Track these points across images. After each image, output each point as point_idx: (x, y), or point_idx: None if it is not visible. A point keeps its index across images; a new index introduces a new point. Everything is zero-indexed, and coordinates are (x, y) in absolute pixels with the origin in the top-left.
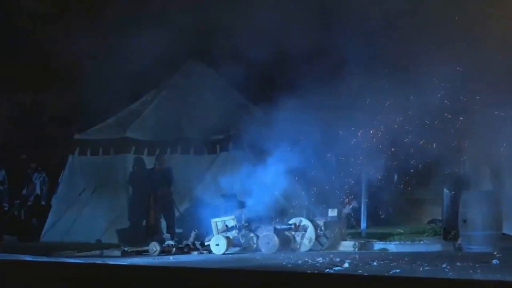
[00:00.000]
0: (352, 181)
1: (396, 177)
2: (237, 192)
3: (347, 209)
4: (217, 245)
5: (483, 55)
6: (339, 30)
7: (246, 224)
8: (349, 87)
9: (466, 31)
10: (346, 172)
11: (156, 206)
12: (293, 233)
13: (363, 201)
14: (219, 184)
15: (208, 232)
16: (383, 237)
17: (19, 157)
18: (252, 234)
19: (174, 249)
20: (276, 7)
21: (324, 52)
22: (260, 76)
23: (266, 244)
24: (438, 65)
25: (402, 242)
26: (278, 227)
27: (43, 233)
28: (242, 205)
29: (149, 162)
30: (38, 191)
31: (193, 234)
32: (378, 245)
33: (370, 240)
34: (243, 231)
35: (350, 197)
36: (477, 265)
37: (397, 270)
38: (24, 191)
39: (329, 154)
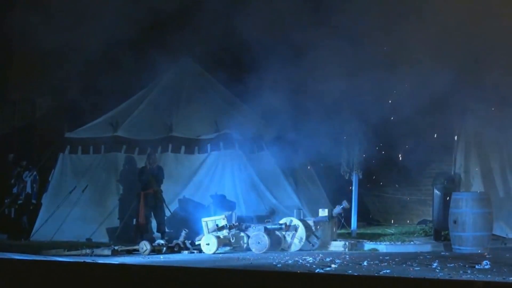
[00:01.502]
0: (343, 182)
1: (386, 177)
2: (227, 191)
3: (337, 209)
4: (208, 244)
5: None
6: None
7: (237, 223)
8: (338, 85)
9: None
10: (337, 172)
11: (146, 205)
12: (283, 232)
13: (354, 201)
14: (210, 183)
15: (199, 232)
16: (373, 238)
17: (7, 156)
18: (242, 234)
19: (164, 248)
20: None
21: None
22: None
23: (256, 243)
24: (428, 64)
25: (393, 243)
26: (268, 226)
27: (33, 231)
28: (232, 205)
29: (139, 161)
30: (29, 189)
31: (183, 233)
32: (368, 246)
33: (361, 240)
34: (234, 231)
35: (340, 197)
36: (467, 265)
37: (387, 271)
38: (15, 190)
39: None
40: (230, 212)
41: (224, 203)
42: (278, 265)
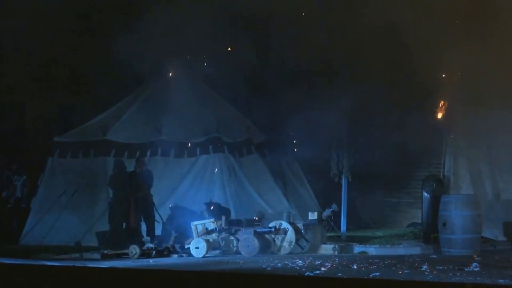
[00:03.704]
0: (332, 185)
1: (375, 180)
2: (216, 195)
3: (327, 212)
4: (197, 248)
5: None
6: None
7: (226, 227)
8: (326, 91)
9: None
10: (327, 175)
11: (136, 208)
12: (273, 236)
13: (343, 204)
14: (199, 187)
15: (188, 235)
16: (363, 240)
17: None
18: (232, 237)
19: (153, 252)
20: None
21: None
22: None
23: (246, 247)
24: (421, 66)
25: (382, 245)
26: (258, 230)
27: (22, 235)
28: (227, 212)
29: (129, 164)
30: (18, 193)
31: (172, 237)
32: (358, 248)
33: (350, 243)
34: (223, 234)
35: (330, 200)
36: (456, 268)
37: (377, 273)
38: (4, 194)
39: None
40: (220, 216)
41: (219, 211)
42: (268, 269)
